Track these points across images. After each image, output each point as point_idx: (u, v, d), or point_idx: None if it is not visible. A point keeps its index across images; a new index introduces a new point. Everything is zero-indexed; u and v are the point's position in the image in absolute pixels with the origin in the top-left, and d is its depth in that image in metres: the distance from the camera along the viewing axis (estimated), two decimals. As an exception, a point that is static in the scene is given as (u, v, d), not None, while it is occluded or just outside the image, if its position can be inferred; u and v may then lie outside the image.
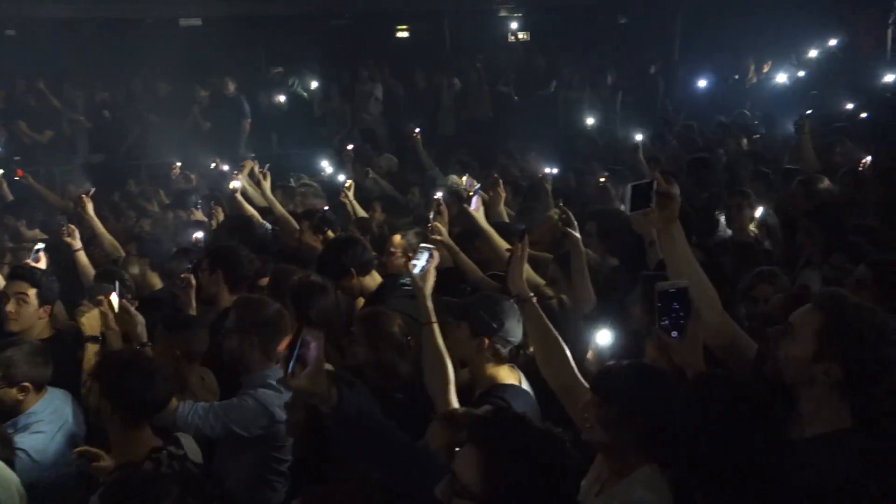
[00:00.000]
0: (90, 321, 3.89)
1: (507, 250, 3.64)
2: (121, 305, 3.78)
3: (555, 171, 7.57)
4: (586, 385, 2.79)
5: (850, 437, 2.34)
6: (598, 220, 4.93)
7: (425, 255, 3.20)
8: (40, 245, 5.13)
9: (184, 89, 12.70)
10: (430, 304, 3.16)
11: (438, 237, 4.67)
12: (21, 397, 3.61)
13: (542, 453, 1.96)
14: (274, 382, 3.56)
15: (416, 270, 3.17)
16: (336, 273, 4.48)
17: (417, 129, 9.41)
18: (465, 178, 6.65)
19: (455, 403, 3.04)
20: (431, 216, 4.87)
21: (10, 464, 3.29)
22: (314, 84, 13.46)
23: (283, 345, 3.35)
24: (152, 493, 2.32)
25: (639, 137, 8.54)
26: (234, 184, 6.86)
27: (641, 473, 2.33)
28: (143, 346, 3.73)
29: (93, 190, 6.93)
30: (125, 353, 3.57)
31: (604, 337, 3.13)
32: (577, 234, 4.06)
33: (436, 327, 3.14)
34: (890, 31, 13.66)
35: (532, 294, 3.14)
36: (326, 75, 13.68)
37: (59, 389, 3.79)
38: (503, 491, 1.92)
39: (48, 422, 3.63)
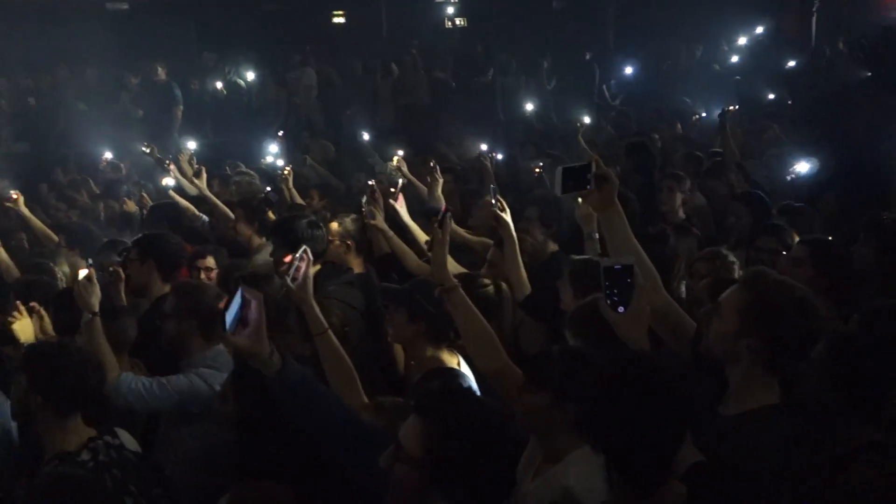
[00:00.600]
0: (23, 328, 3.74)
1: (426, 242, 3.57)
2: (88, 275, 3.66)
3: (497, 155, 7.64)
4: (518, 370, 2.81)
5: (773, 414, 2.41)
6: (540, 206, 4.97)
7: (293, 267, 2.75)
8: None
9: (112, 76, 12.34)
10: (317, 312, 2.86)
11: (374, 222, 4.66)
12: None
13: (484, 427, 1.99)
14: (213, 363, 3.58)
15: (291, 281, 2.75)
16: (286, 246, 4.28)
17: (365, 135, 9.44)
18: (395, 161, 6.67)
19: (365, 400, 2.96)
20: (364, 202, 4.84)
21: None
22: (250, 74, 13.23)
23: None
24: (87, 484, 2.34)
25: (587, 120, 8.65)
26: (168, 181, 6.73)
27: (574, 457, 2.34)
28: (94, 315, 3.59)
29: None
30: (51, 344, 3.43)
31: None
32: (509, 220, 4.06)
33: (329, 335, 2.92)
34: (814, 19, 14.09)
35: (457, 282, 3.08)
36: (260, 61, 13.45)
37: None
38: (444, 460, 1.96)
39: None
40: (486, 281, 3.73)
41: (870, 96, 8.09)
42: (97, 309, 3.61)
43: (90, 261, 4.00)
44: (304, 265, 2.78)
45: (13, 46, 12.47)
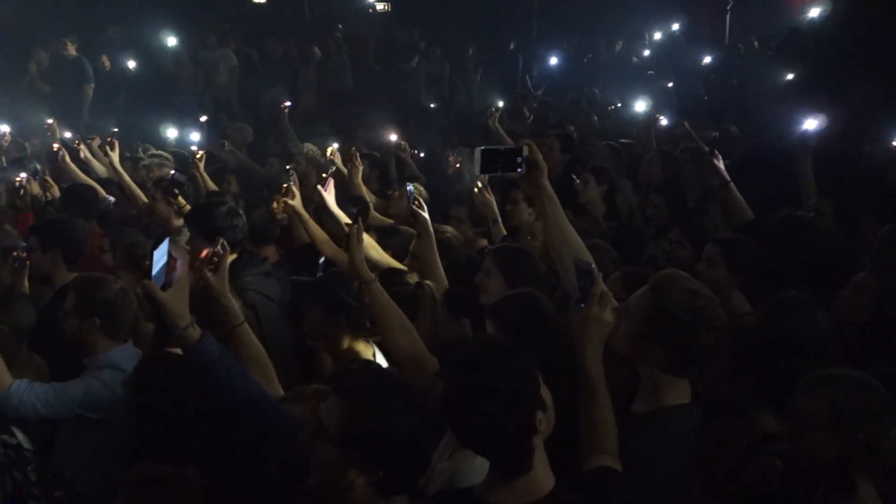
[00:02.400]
0: None
1: (344, 238, 3.54)
2: None
3: (417, 151, 7.61)
4: (434, 359, 2.83)
5: (680, 412, 2.46)
6: (468, 205, 4.97)
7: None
8: None
9: (17, 50, 11.72)
10: (233, 304, 2.83)
11: (292, 203, 4.58)
12: None
13: (401, 405, 2.00)
14: (117, 363, 3.43)
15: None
16: (206, 236, 4.13)
17: (287, 104, 9.23)
18: (330, 151, 6.58)
19: (282, 391, 2.94)
20: (284, 187, 4.75)
21: None
22: (165, 46, 12.76)
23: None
24: None
25: (500, 104, 8.68)
26: (55, 147, 6.47)
27: None
28: None
29: None
30: None
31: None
32: (426, 216, 4.04)
33: (245, 328, 2.90)
34: (728, 17, 14.56)
35: (373, 276, 3.11)
36: (176, 38, 13.01)
37: None
38: (362, 437, 1.96)
39: None
40: (409, 279, 3.71)
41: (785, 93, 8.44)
42: None
43: None
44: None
45: None
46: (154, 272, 2.05)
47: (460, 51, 13.66)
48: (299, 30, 14.14)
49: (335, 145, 6.82)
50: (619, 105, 10.07)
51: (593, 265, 2.40)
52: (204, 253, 2.76)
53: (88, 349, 3.50)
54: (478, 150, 2.76)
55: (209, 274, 2.75)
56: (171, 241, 2.12)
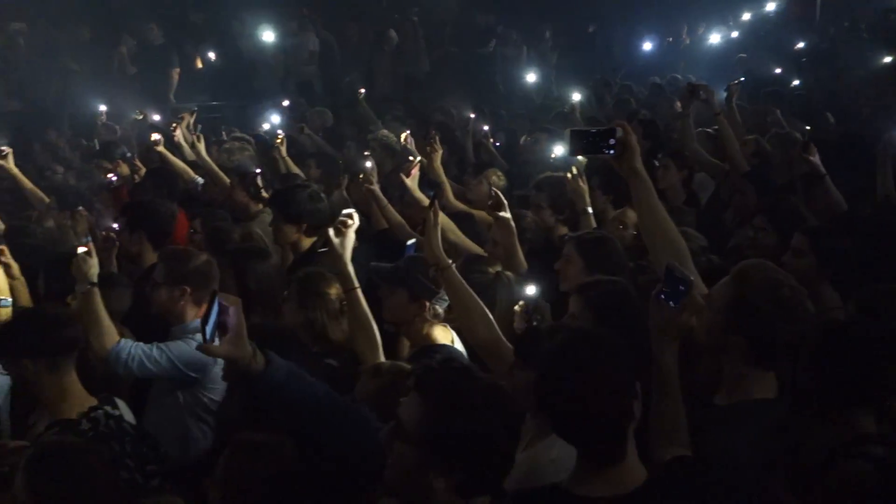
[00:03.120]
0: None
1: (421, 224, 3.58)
2: (87, 251, 3.63)
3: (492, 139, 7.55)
4: (510, 347, 2.81)
5: (764, 407, 2.39)
6: (549, 192, 4.91)
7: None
8: None
9: (108, 35, 12.13)
10: (350, 269, 3.12)
11: (371, 187, 4.63)
12: None
13: (484, 403, 1.97)
14: None
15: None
16: (289, 219, 4.33)
17: (362, 90, 9.31)
18: (403, 137, 6.57)
19: (383, 358, 3.08)
20: (363, 173, 4.79)
21: None
22: (248, 31, 13.01)
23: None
24: (85, 454, 2.40)
25: (576, 97, 8.54)
26: (155, 136, 6.64)
27: None
28: (92, 285, 3.56)
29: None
30: (28, 309, 3.63)
31: (530, 290, 3.23)
32: (508, 215, 3.99)
33: (359, 292, 3.14)
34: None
35: (451, 261, 3.12)
36: (258, 24, 13.23)
37: None
38: (443, 437, 1.93)
39: None
40: (489, 268, 3.71)
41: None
42: (95, 280, 3.58)
43: (89, 238, 4.00)
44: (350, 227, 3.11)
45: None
46: (208, 332, 2.09)
47: (538, 33, 13.47)
48: (376, 14, 14.17)
49: (408, 131, 6.82)
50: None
51: (691, 277, 2.33)
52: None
53: (177, 318, 3.64)
54: (569, 131, 2.72)
55: (333, 237, 3.02)
56: (220, 294, 2.16)
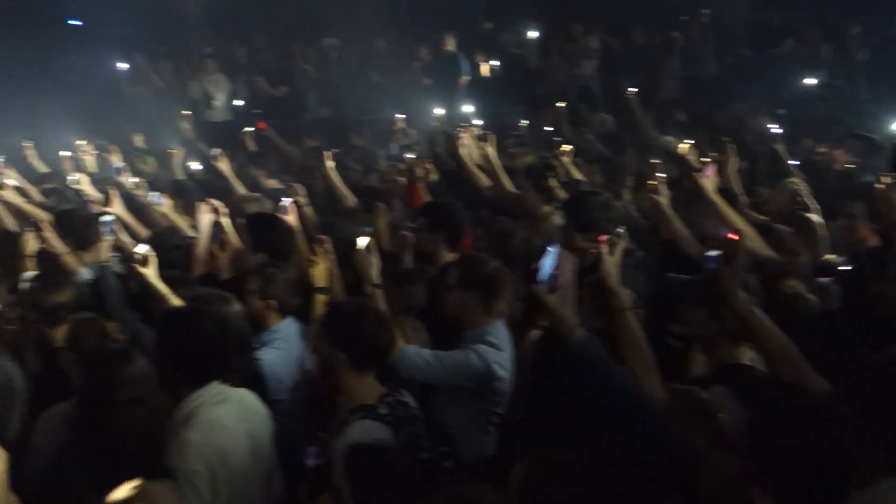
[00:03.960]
0: (320, 272, 4.14)
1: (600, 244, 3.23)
2: (368, 245, 3.94)
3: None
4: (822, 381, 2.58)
5: None
6: (867, 200, 4.50)
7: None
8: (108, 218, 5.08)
9: (402, 46, 13.03)
10: (620, 288, 2.92)
11: (658, 197, 4.50)
12: (266, 313, 3.99)
13: (818, 418, 1.86)
14: (493, 339, 3.63)
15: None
16: (579, 225, 4.32)
17: (634, 90, 9.04)
18: (684, 145, 6.31)
19: (661, 387, 2.91)
20: (651, 181, 4.68)
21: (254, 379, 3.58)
22: (532, 36, 13.25)
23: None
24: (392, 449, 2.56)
25: None
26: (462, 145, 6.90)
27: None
28: (375, 287, 3.84)
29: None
30: (353, 303, 3.76)
31: None
32: (817, 218, 3.70)
33: (630, 315, 2.96)
34: None
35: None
36: (539, 30, 13.46)
37: (297, 323, 4.10)
38: (772, 451, 1.84)
39: (285, 341, 3.97)
40: (791, 285, 3.47)
41: None
42: (378, 280, 3.78)
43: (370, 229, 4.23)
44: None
45: (314, 15, 13.50)
46: (542, 276, 2.15)
47: (842, 30, 12.26)
48: (662, 17, 13.79)
49: (691, 142, 6.50)
50: None
51: None
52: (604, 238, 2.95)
53: (467, 322, 3.72)
54: (893, 146, 2.47)
55: (606, 254, 2.91)
56: (558, 250, 2.21)
